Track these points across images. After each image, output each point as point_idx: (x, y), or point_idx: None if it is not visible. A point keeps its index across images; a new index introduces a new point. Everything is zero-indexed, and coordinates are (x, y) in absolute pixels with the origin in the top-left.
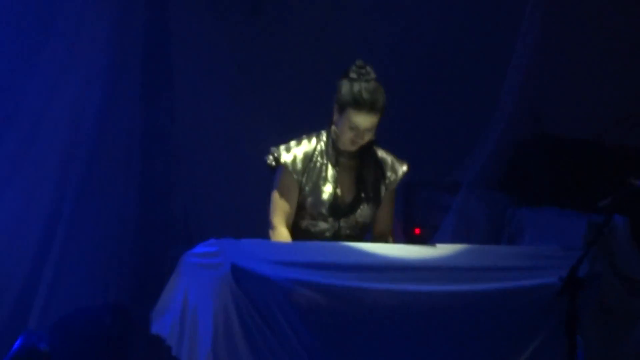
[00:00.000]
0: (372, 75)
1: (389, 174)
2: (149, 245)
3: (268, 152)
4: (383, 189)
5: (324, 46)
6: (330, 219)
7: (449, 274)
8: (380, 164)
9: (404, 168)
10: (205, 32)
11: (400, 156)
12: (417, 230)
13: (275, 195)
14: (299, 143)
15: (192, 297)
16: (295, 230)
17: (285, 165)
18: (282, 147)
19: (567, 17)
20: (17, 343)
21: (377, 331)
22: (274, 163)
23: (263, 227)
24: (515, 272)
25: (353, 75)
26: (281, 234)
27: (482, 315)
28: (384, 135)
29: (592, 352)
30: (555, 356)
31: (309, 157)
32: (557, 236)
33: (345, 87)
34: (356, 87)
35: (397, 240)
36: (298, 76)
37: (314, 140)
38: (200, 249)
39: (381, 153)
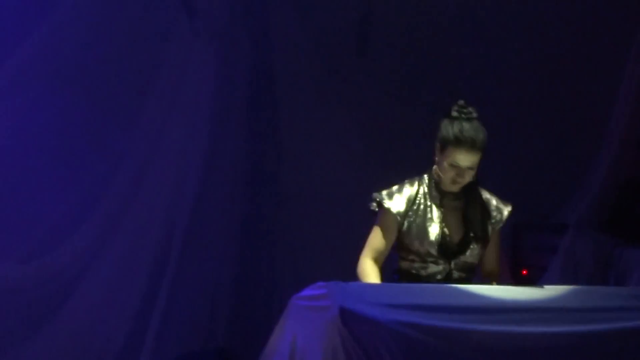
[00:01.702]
0: (474, 114)
1: (494, 213)
2: (256, 288)
3: (370, 199)
4: (490, 228)
5: (428, 86)
6: (441, 261)
7: (556, 315)
8: (485, 204)
9: (509, 208)
10: (311, 73)
11: (507, 197)
12: (525, 272)
13: (372, 234)
14: (401, 188)
15: (300, 340)
16: (407, 274)
17: (388, 207)
18: (385, 193)
19: None
20: None
21: None
22: (376, 208)
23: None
24: (622, 312)
25: (455, 114)
26: (365, 264)
27: (591, 357)
28: (490, 177)
29: None
30: None
31: (412, 200)
32: None
33: (446, 125)
34: (457, 125)
35: (504, 281)
36: (403, 118)
37: (416, 183)
38: (308, 291)
39: (485, 194)
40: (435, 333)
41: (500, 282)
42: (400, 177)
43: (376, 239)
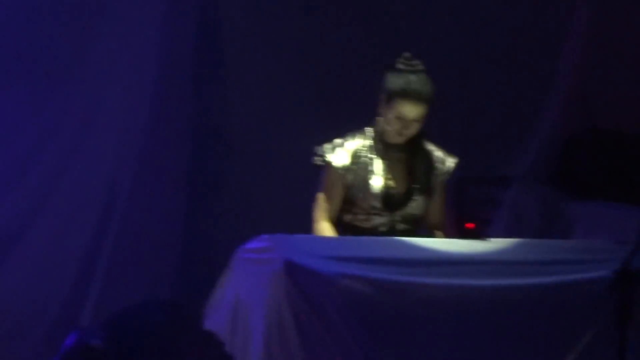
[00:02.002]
0: (421, 67)
1: (438, 165)
2: (201, 241)
3: (314, 153)
4: (434, 180)
5: (375, 39)
6: (384, 213)
7: (501, 268)
8: (429, 156)
9: (454, 161)
10: (257, 25)
11: (452, 151)
12: (470, 225)
13: (321, 192)
14: (343, 141)
15: (245, 293)
16: (350, 227)
17: (330, 163)
18: (327, 146)
19: (618, 9)
20: (70, 340)
21: (429, 325)
22: (320, 162)
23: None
24: (567, 265)
25: (400, 66)
26: (322, 227)
27: (534, 309)
28: (435, 131)
29: None
30: (607, 350)
31: (355, 153)
32: (609, 230)
33: (392, 78)
34: (404, 77)
35: (449, 234)
36: (350, 70)
37: (359, 136)
38: (253, 244)
39: (430, 146)
40: (380, 286)
41: (445, 235)
42: (347, 130)
43: (327, 197)
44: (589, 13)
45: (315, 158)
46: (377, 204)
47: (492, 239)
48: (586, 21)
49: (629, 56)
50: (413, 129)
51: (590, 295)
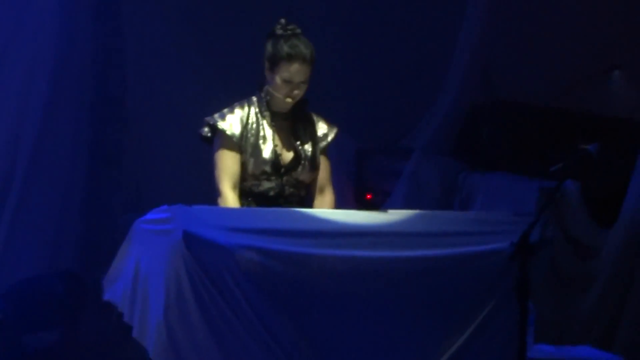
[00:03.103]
0: (299, 30)
1: (320, 133)
2: (101, 212)
3: (202, 124)
4: (317, 148)
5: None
6: (273, 178)
7: (400, 239)
8: (313, 124)
9: (335, 130)
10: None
11: (352, 122)
12: (369, 196)
13: (219, 161)
14: (231, 110)
15: (144, 264)
16: (240, 192)
17: (223, 130)
18: (217, 116)
19: None
20: None
21: (328, 297)
22: (209, 133)
23: (214, 194)
24: (466, 237)
25: (280, 31)
26: (229, 198)
27: (434, 281)
28: (335, 102)
29: (543, 317)
30: (507, 321)
31: (244, 121)
32: (509, 201)
33: (274, 44)
34: (286, 41)
35: (348, 206)
36: (243, 40)
37: (245, 105)
38: (152, 215)
39: (312, 116)
40: (279, 257)
41: (343, 207)
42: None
43: (226, 164)
44: None
45: (204, 129)
46: (268, 169)
47: (391, 211)
48: None
49: (530, 29)
50: (300, 91)
51: (490, 267)
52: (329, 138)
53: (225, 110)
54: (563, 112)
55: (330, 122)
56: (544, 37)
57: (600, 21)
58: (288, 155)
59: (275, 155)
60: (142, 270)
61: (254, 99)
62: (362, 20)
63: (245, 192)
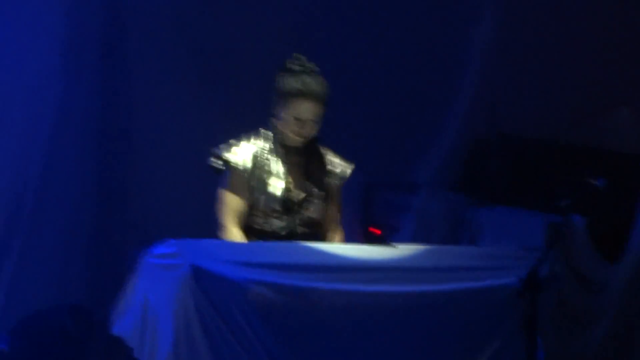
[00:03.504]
0: (314, 67)
1: (336, 170)
2: (108, 246)
3: (210, 154)
4: (331, 184)
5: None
6: (284, 217)
7: (408, 274)
8: (326, 161)
9: (351, 167)
10: (161, 29)
11: (358, 155)
12: (377, 231)
13: (226, 196)
14: (238, 142)
15: (152, 298)
16: (250, 231)
17: (235, 164)
18: (223, 147)
19: (522, 16)
20: None
21: (335, 331)
22: (220, 165)
23: (214, 226)
24: (475, 272)
25: (294, 67)
26: (233, 234)
27: (442, 316)
28: (341, 136)
29: (551, 352)
30: (515, 357)
31: (256, 156)
32: (517, 236)
33: (287, 79)
34: (299, 78)
35: (356, 241)
36: (251, 73)
37: (252, 138)
38: (159, 249)
39: (327, 152)
40: (286, 291)
41: (351, 241)
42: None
43: (233, 201)
44: (494, 20)
45: (213, 160)
46: (277, 206)
47: (399, 245)
48: (492, 28)
49: (533, 63)
50: (311, 129)
51: (497, 303)
52: (343, 175)
53: (232, 141)
54: (569, 146)
55: (345, 158)
56: (550, 72)
57: (606, 57)
58: (299, 193)
59: (287, 192)
60: (150, 305)
61: (264, 132)
62: (368, 54)
63: (254, 231)
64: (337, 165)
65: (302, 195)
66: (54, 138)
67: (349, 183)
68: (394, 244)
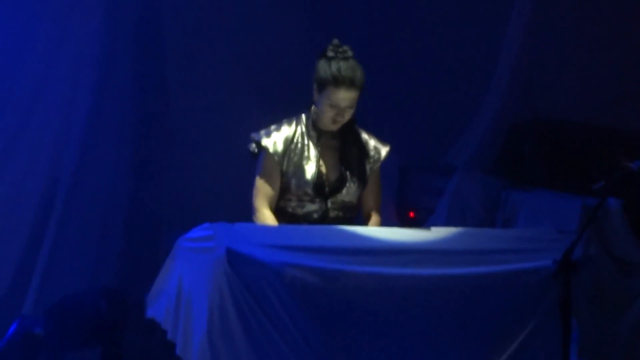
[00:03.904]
0: (350, 53)
1: (372, 153)
2: (143, 229)
3: (249, 140)
4: (368, 168)
5: (311, 31)
6: (317, 200)
7: (443, 257)
8: (362, 144)
9: (387, 149)
10: (196, 19)
11: (394, 139)
12: (412, 214)
13: (258, 180)
14: (279, 127)
15: (186, 281)
16: (283, 213)
17: (266, 148)
18: (263, 132)
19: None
20: (12, 328)
21: (370, 314)
22: (256, 149)
23: (250, 210)
24: (509, 254)
25: (330, 54)
26: (264, 216)
27: (477, 298)
28: (377, 119)
29: (586, 334)
30: (550, 338)
31: (289, 140)
32: (552, 219)
33: (323, 66)
34: (334, 65)
35: (391, 223)
36: (288, 60)
37: (294, 123)
38: (194, 233)
39: (363, 134)
40: (322, 274)
41: (380, 223)
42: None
43: (264, 185)
44: (531, 3)
45: (252, 144)
46: (310, 190)
47: (434, 228)
48: (528, 11)
49: (569, 46)
50: (346, 115)
51: (532, 285)
52: (381, 157)
53: (273, 127)
54: (605, 129)
55: (382, 139)
56: (585, 55)
57: None
58: (333, 176)
59: (319, 176)
60: (185, 288)
61: (303, 116)
62: (405, 38)
63: (287, 214)
64: (373, 147)
65: (335, 179)
66: (90, 119)
67: (384, 165)
68: (429, 226)
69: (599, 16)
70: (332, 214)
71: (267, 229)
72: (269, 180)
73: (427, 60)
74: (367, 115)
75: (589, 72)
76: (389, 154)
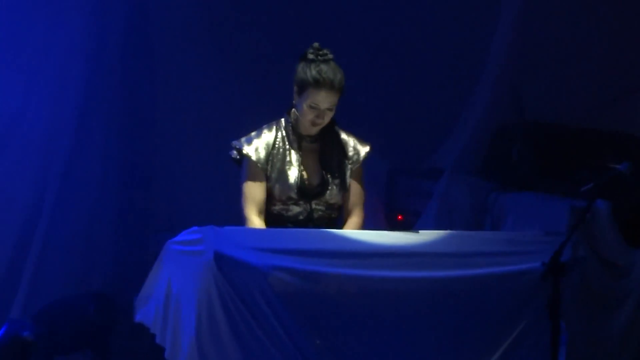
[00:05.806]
0: (330, 55)
1: (351, 154)
2: (131, 233)
3: (231, 147)
4: (348, 169)
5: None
6: (301, 202)
7: (432, 260)
8: (342, 145)
9: (366, 149)
10: (187, 21)
11: (381, 142)
12: (400, 217)
13: (245, 188)
14: (259, 134)
15: (175, 285)
16: (269, 217)
17: (248, 156)
18: (244, 140)
19: (546, 2)
20: (1, 331)
21: (358, 316)
22: (238, 156)
23: (241, 219)
24: (498, 257)
25: (311, 56)
26: (254, 224)
27: (466, 301)
28: (364, 122)
29: (575, 336)
30: (539, 340)
31: (271, 145)
32: (540, 221)
33: (303, 68)
34: (314, 67)
35: (379, 227)
36: (273, 66)
37: (274, 128)
38: (183, 236)
39: (343, 135)
40: (309, 277)
41: (374, 227)
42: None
43: (252, 191)
44: (518, 5)
45: (233, 152)
46: (293, 194)
47: (422, 231)
48: (515, 13)
49: (557, 49)
50: (327, 118)
51: (521, 287)
52: (361, 157)
53: (253, 133)
54: (593, 131)
55: (362, 139)
56: (572, 58)
57: (629, 42)
58: (315, 179)
59: (302, 180)
60: (173, 292)
61: (283, 121)
62: (392, 42)
63: (274, 217)
64: (352, 148)
65: (317, 183)
66: (78, 123)
67: (371, 169)
68: (417, 229)
69: (586, 19)
70: (317, 214)
71: (254, 232)
72: (255, 187)
73: (414, 63)
74: (354, 118)
75: (577, 74)
76: (369, 154)
